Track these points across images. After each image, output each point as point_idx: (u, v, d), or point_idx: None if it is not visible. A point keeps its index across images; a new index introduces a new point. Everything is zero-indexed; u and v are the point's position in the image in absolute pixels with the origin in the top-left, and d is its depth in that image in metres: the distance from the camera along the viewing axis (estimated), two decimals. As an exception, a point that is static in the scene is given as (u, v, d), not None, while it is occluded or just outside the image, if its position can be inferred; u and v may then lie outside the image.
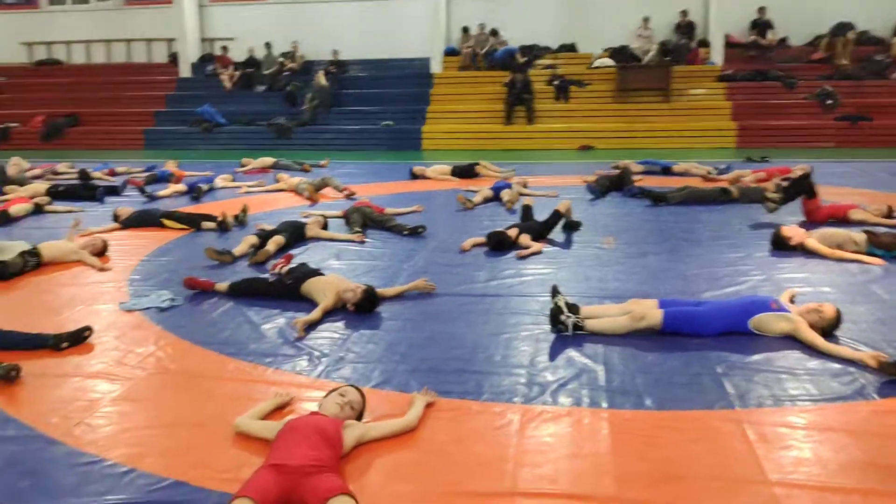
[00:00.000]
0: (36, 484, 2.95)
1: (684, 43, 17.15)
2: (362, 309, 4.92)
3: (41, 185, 10.10)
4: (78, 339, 4.40)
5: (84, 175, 11.14)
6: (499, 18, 18.03)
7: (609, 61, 17.23)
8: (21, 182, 10.54)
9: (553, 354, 4.22)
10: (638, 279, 5.70)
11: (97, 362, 4.19)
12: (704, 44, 17.50)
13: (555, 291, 4.78)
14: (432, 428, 3.36)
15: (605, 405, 3.57)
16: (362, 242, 7.09)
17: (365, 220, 7.64)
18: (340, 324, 4.78)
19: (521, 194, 9.03)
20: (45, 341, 4.34)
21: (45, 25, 20.55)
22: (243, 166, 12.52)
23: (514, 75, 16.18)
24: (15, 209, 8.50)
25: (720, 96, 16.29)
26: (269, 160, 12.70)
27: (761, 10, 17.11)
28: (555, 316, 4.50)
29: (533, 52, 17.92)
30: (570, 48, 18.14)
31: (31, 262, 6.15)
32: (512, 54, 17.30)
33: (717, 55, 17.14)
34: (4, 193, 9.84)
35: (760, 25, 17.20)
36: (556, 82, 16.74)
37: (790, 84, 16.09)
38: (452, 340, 4.46)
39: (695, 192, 8.80)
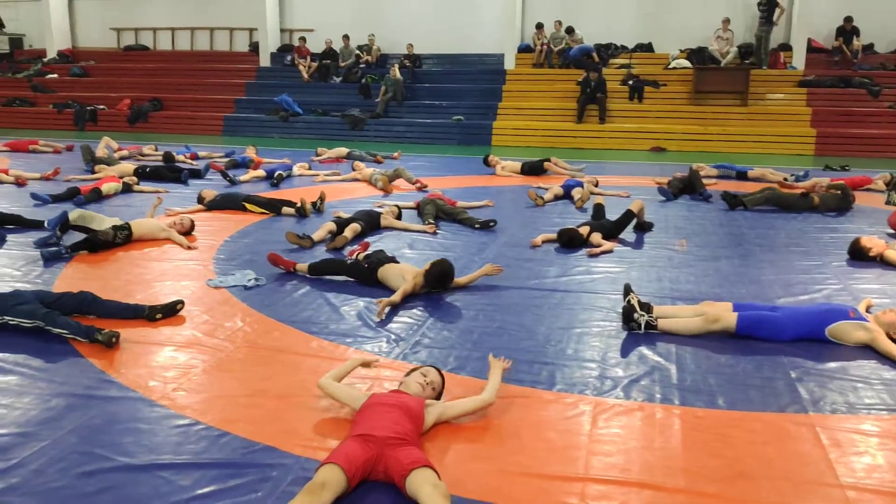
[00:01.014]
0: (138, 440, 3.19)
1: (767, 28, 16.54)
2: (439, 280, 5.06)
3: (129, 166, 10.58)
4: (171, 311, 4.68)
5: (168, 157, 11.61)
6: (574, 16, 17.97)
7: (686, 62, 17.00)
8: (110, 162, 11.06)
9: (625, 351, 4.29)
10: (710, 282, 5.70)
11: (189, 333, 4.45)
12: (786, 48, 17.09)
13: (627, 290, 4.83)
14: (506, 412, 3.47)
15: (676, 402, 3.63)
16: (434, 234, 7.24)
17: (437, 212, 7.79)
18: (416, 310, 4.93)
19: (592, 193, 9.05)
20: (141, 311, 4.62)
21: (134, 12, 21.37)
22: (319, 155, 12.84)
23: (589, 74, 16.12)
24: (106, 187, 8.95)
25: (800, 102, 15.91)
26: (343, 150, 12.99)
27: (848, 18, 16.59)
28: (628, 314, 4.56)
29: (608, 50, 17.82)
30: (647, 48, 17.96)
31: (121, 236, 6.49)
32: (587, 52, 17.24)
33: (798, 60, 16.72)
34: (95, 172, 10.37)
35: (847, 33, 16.69)
36: (630, 82, 16.61)
37: (875, 92, 15.60)
38: (523, 331, 4.57)
39: (775, 195, 8.69)
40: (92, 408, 3.48)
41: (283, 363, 4.07)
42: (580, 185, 9.27)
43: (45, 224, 6.88)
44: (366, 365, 3.71)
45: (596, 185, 9.52)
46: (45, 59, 21.17)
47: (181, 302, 4.76)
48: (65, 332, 4.22)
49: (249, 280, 5.50)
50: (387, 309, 4.82)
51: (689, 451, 3.18)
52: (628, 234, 7.18)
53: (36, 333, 4.29)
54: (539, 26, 17.86)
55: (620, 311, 4.75)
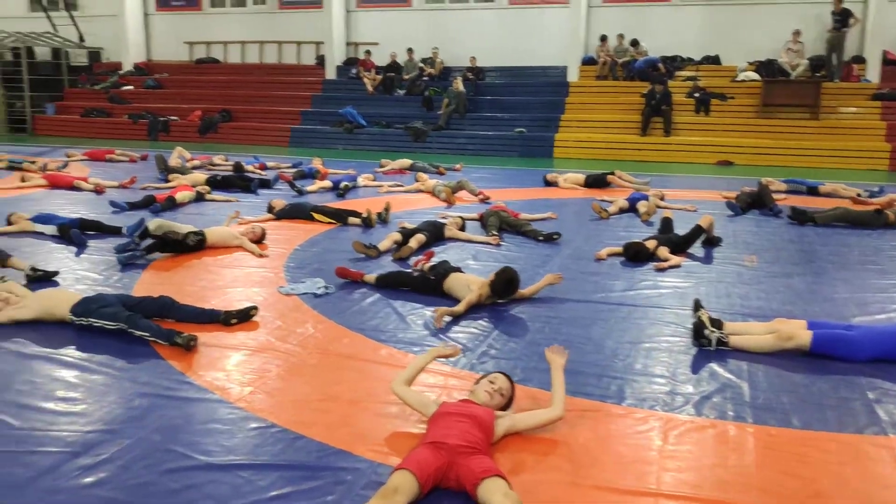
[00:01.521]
0: (217, 440, 3.30)
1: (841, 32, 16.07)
2: (506, 288, 5.10)
3: (201, 175, 10.92)
4: (246, 316, 4.82)
5: (238, 167, 11.95)
6: (640, 28, 17.83)
7: (754, 75, 16.66)
8: (182, 171, 11.44)
9: (695, 367, 4.24)
10: (782, 299, 5.58)
11: (263, 338, 4.58)
12: (860, 60, 16.60)
13: (697, 306, 4.78)
14: (575, 425, 3.48)
15: (750, 420, 3.57)
16: (498, 245, 7.28)
17: (501, 224, 7.82)
18: (481, 321, 4.97)
19: (658, 207, 8.95)
20: (217, 316, 4.78)
21: (206, 26, 22.05)
22: (382, 167, 13.01)
23: (654, 86, 15.95)
24: (180, 196, 9.26)
25: (874, 115, 15.41)
26: (406, 162, 13.14)
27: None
28: (698, 330, 4.51)
29: (674, 63, 17.61)
30: (714, 60, 17.68)
31: (194, 239, 6.70)
32: (652, 65, 17.07)
33: (873, 72, 16.22)
34: (169, 181, 10.74)
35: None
36: (696, 94, 16.37)
37: (955, 105, 15.01)
38: (590, 345, 4.56)
39: (848, 212, 8.45)
40: (172, 408, 3.62)
41: (354, 369, 4.15)
42: (645, 198, 9.18)
43: (124, 230, 7.16)
44: (446, 355, 3.74)
45: (662, 199, 9.41)
46: (121, 72, 22.00)
47: (255, 308, 4.91)
48: (146, 334, 4.40)
49: (319, 288, 5.63)
50: (446, 318, 4.86)
51: (763, 469, 3.13)
52: (696, 248, 7.08)
53: (119, 335, 4.48)
54: (603, 38, 17.77)
55: (690, 326, 4.70)
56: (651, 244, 6.69)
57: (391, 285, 5.69)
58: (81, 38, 22.39)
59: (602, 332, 4.78)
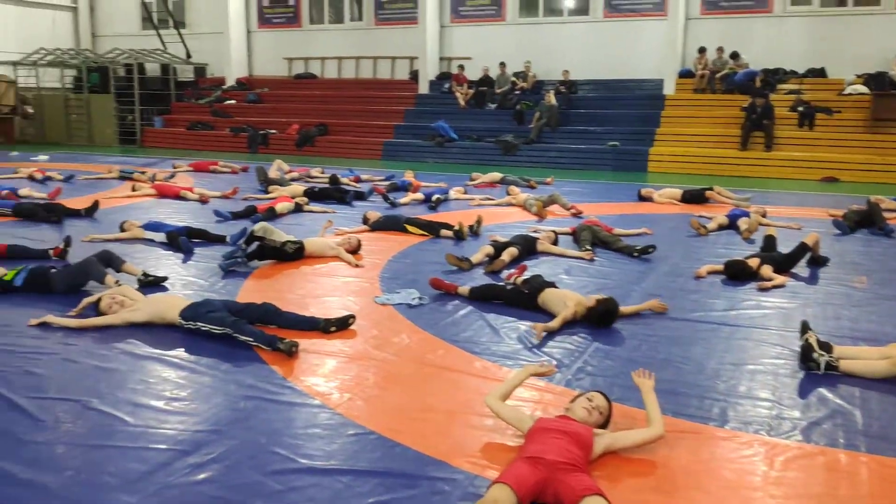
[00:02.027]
0: (318, 445, 3.38)
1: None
2: (602, 319, 5.02)
3: (299, 187, 11.26)
4: (344, 324, 4.93)
5: (334, 180, 12.25)
6: (740, 40, 17.31)
7: (863, 88, 15.89)
8: (281, 183, 11.82)
9: (803, 392, 4.06)
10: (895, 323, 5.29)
11: (360, 346, 4.67)
12: (982, 71, 15.61)
13: (805, 328, 4.59)
14: (676, 447, 3.39)
15: (863, 449, 3.40)
16: (591, 260, 7.18)
17: (594, 239, 7.72)
18: (577, 336, 4.91)
19: (760, 224, 8.65)
20: (317, 324, 4.90)
21: (305, 42, 22.77)
22: (473, 180, 13.08)
23: (754, 100, 15.45)
24: (280, 206, 9.57)
25: None
26: (497, 175, 13.17)
27: None
28: (806, 353, 4.33)
29: (776, 75, 17.00)
30: (819, 73, 16.97)
31: (292, 248, 6.91)
32: (752, 77, 16.55)
33: None
34: (269, 192, 11.12)
35: None
36: (800, 108, 15.74)
37: None
38: (691, 365, 4.44)
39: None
40: (275, 411, 3.73)
41: (449, 381, 4.18)
42: (746, 214, 8.88)
43: (227, 239, 7.46)
44: (541, 373, 3.72)
45: (764, 216, 9.08)
46: (224, 87, 22.97)
47: (353, 317, 5.01)
48: (250, 339, 4.56)
49: (414, 299, 5.70)
50: (543, 334, 4.83)
51: (878, 501, 2.97)
52: (801, 268, 6.80)
53: (224, 339, 4.66)
54: (702, 51, 17.35)
55: (796, 349, 4.52)
56: (754, 262, 6.47)
57: (484, 298, 5.70)
58: (188, 55, 23.52)
59: (703, 353, 4.65)
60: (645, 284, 6.30)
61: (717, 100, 16.96)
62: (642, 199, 11.19)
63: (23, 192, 10.70)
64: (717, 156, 15.54)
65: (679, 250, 7.62)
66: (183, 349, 4.58)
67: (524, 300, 5.52)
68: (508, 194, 10.98)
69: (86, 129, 22.13)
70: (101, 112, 21.89)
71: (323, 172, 13.53)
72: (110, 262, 6.06)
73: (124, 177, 12.91)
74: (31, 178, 12.78)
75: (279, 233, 7.08)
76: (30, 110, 22.87)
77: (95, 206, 9.32)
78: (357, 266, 6.82)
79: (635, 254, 7.34)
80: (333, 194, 10.88)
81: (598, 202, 11.21)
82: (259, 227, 6.97)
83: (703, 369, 4.36)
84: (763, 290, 6.07)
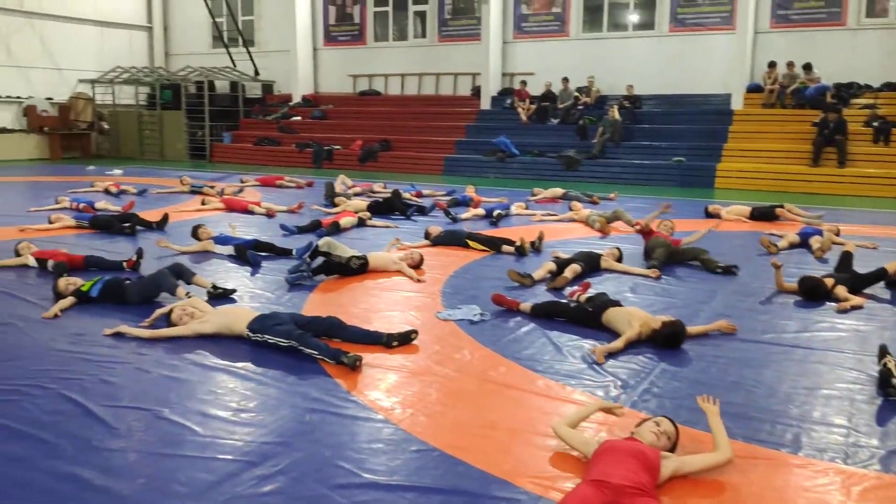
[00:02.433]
0: (381, 460, 3.39)
1: None
2: (669, 342, 4.92)
3: (363, 202, 11.40)
4: (406, 339, 4.96)
5: (397, 195, 12.35)
6: (811, 53, 16.83)
7: (944, 101, 15.28)
8: (346, 197, 11.98)
9: (881, 419, 3.89)
10: (983, 349, 5.02)
11: (422, 362, 4.68)
12: None
13: (883, 352, 4.41)
14: (746, 473, 3.28)
15: (949, 482, 3.23)
16: (658, 278, 7.05)
17: (668, 256, 7.54)
18: (643, 356, 4.82)
19: (834, 243, 8.36)
20: (380, 338, 4.94)
21: (370, 60, 23.13)
22: (534, 195, 13.03)
23: (826, 114, 14.99)
24: (344, 221, 9.71)
25: None
26: (559, 191, 13.09)
27: None
28: (884, 378, 4.15)
29: (850, 90, 16.47)
30: (895, 87, 16.37)
31: (357, 263, 6.99)
32: (824, 92, 16.07)
33: None
34: (335, 205, 11.29)
35: None
36: (875, 123, 15.20)
37: None
38: (762, 388, 4.30)
39: None
40: (339, 424, 3.76)
41: (511, 398, 4.14)
42: (819, 233, 8.60)
43: (294, 252, 7.59)
44: (609, 411, 3.67)
45: (837, 234, 8.77)
46: (290, 103, 23.49)
47: (415, 332, 5.03)
48: (315, 353, 4.62)
49: (475, 315, 5.69)
50: (605, 358, 4.74)
51: (968, 540, 2.81)
52: (878, 289, 6.54)
53: (290, 352, 4.73)
54: (771, 65, 16.93)
55: (874, 374, 4.34)
56: (828, 282, 6.25)
57: (546, 315, 5.65)
58: (256, 72, 24.13)
59: (775, 376, 4.50)
60: (713, 304, 6.16)
61: (787, 115, 16.51)
62: (709, 215, 10.94)
63: (99, 205, 11.12)
64: (788, 172, 15.11)
65: (748, 269, 7.41)
66: (250, 361, 4.67)
67: (588, 318, 5.45)
68: (571, 210, 10.90)
69: (158, 145, 22.90)
70: (172, 128, 22.64)
71: (385, 187, 13.67)
72: (181, 274, 6.23)
73: (194, 191, 13.30)
74: (106, 191, 13.29)
75: (343, 248, 7.18)
76: (105, 126, 23.83)
77: (165, 219, 9.62)
78: (419, 281, 6.85)
79: (718, 269, 7.17)
80: (397, 206, 10.99)
81: (663, 218, 10.98)
82: (324, 243, 7.09)
83: (775, 393, 4.23)
84: (840, 311, 5.85)
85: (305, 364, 4.58)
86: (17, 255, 7.30)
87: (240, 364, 4.62)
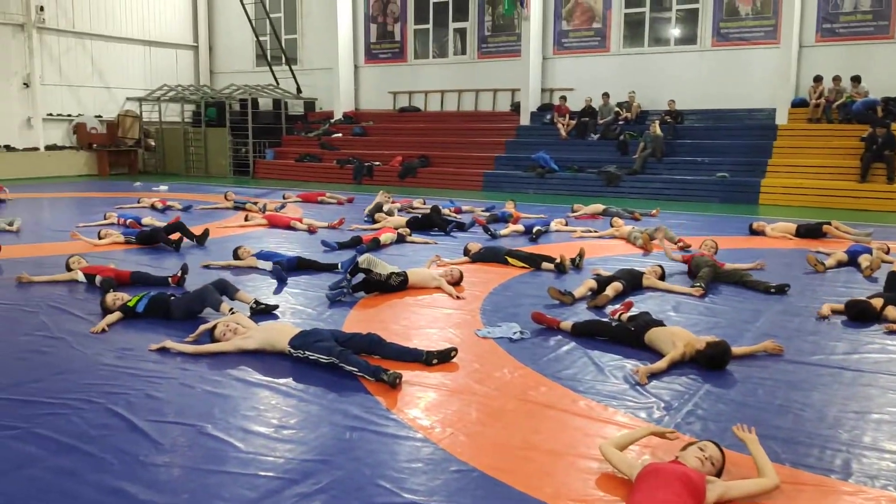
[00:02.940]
0: (421, 480, 3.38)
1: None
2: (713, 363, 4.84)
3: (402, 218, 11.46)
4: (446, 357, 4.95)
5: (436, 211, 12.38)
6: (858, 67, 16.47)
7: None
8: (388, 213, 12.06)
9: (937, 445, 3.77)
10: None
11: (462, 380, 4.67)
12: None
13: (938, 375, 4.27)
14: (794, 499, 3.20)
15: None
16: (702, 296, 6.95)
17: (714, 275, 7.42)
18: (687, 377, 4.74)
19: (884, 261, 8.15)
20: (419, 356, 4.94)
21: (410, 77, 23.32)
22: (574, 211, 12.96)
23: (875, 129, 14.66)
24: (384, 237, 9.76)
25: None
26: (599, 207, 13.00)
27: None
28: (939, 402, 4.02)
29: (899, 103, 16.09)
30: (948, 100, 15.96)
31: (396, 280, 7.03)
32: (872, 106, 15.72)
33: None
34: (375, 222, 11.38)
35: None
36: (926, 138, 14.82)
37: None
38: (810, 412, 4.20)
39: None
40: (379, 443, 3.77)
41: (552, 419, 4.11)
42: (868, 251, 8.39)
43: (339, 266, 7.65)
44: (661, 436, 3.61)
45: (887, 252, 8.55)
46: (332, 120, 23.78)
47: (455, 350, 5.03)
48: (355, 369, 4.64)
49: (515, 333, 5.66)
50: (647, 379, 4.67)
51: None
52: (931, 309, 6.34)
53: (330, 368, 4.76)
54: (817, 79, 16.62)
55: (929, 398, 4.20)
56: (877, 302, 6.08)
57: (587, 334, 5.60)
58: (299, 90, 24.50)
59: (823, 399, 4.39)
60: (759, 324, 6.04)
61: (833, 130, 16.19)
62: (754, 232, 10.78)
63: (145, 220, 11.35)
64: (835, 188, 14.80)
65: (795, 288, 7.25)
66: (291, 377, 4.71)
67: (630, 338, 5.39)
68: (612, 226, 10.80)
69: (202, 161, 23.34)
70: (216, 145, 23.07)
71: (424, 203, 13.72)
72: (225, 290, 6.32)
73: (238, 207, 13.51)
74: (153, 207, 13.58)
75: (383, 264, 7.21)
76: (152, 143, 24.39)
77: (206, 234, 9.78)
78: (458, 298, 6.85)
79: (772, 290, 7.03)
80: (436, 222, 11.03)
81: (707, 235, 10.83)
82: (364, 260, 7.13)
83: (823, 417, 4.12)
84: (890, 332, 5.69)
85: (346, 381, 4.60)
86: (68, 269, 7.49)
87: (281, 380, 4.66)
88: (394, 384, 4.46)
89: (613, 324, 5.67)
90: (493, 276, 7.89)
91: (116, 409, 4.16)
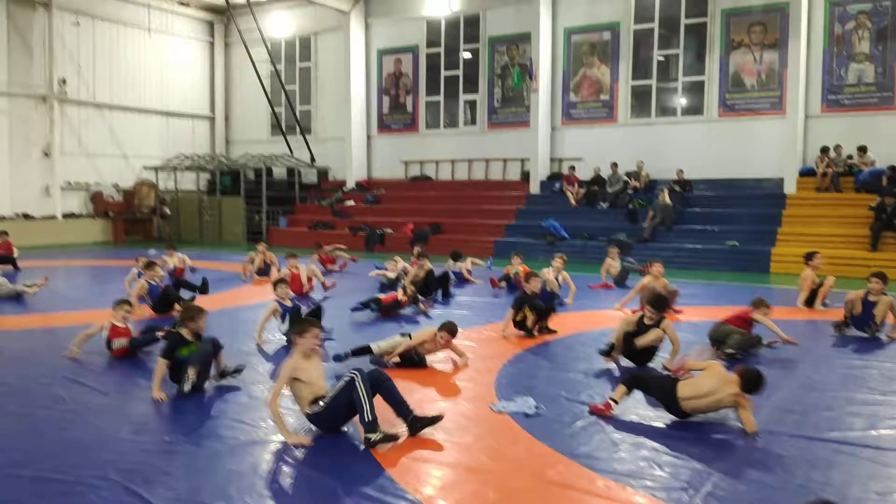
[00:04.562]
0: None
1: None
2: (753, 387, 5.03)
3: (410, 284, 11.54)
4: (432, 423, 5.08)
5: (445, 276, 12.49)
6: (864, 137, 16.70)
7: None
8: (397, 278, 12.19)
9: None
10: None
11: (477, 457, 4.63)
12: None
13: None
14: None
15: None
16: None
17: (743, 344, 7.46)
18: (705, 452, 4.69)
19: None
20: (407, 416, 5.05)
21: (421, 146, 23.74)
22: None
23: (883, 198, 14.76)
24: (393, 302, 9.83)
25: None
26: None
27: None
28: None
29: (907, 173, 16.22)
30: (956, 169, 16.08)
31: (418, 358, 7.07)
32: (879, 176, 15.86)
33: None
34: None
35: None
36: (935, 207, 14.89)
37: None
38: (830, 491, 4.12)
39: None
40: (396, 524, 3.73)
41: (570, 500, 4.06)
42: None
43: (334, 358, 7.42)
44: None
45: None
46: (344, 189, 24.14)
47: (441, 416, 5.16)
48: (363, 401, 4.81)
49: (530, 407, 5.63)
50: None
51: None
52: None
53: (345, 439, 4.74)
54: (824, 150, 16.84)
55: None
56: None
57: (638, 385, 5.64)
58: (313, 159, 24.95)
59: (844, 479, 4.33)
60: (775, 399, 5.97)
61: (842, 199, 16.31)
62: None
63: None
64: (846, 257, 14.79)
65: (809, 360, 7.22)
66: (308, 452, 4.68)
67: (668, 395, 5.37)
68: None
69: (217, 229, 23.62)
70: (231, 212, 23.38)
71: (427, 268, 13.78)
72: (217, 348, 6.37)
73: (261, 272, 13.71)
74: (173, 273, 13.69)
75: (394, 340, 7.25)
76: (167, 211, 24.73)
77: (205, 284, 10.78)
78: (465, 366, 6.90)
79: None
80: (444, 286, 11.31)
81: (717, 305, 10.83)
82: (376, 350, 7.14)
83: (845, 499, 4.05)
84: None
85: (362, 459, 4.58)
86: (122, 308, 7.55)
87: (297, 454, 4.65)
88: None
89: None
90: (507, 347, 7.89)
91: (133, 486, 4.14)
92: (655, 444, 4.86)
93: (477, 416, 5.44)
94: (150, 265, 10.33)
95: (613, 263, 13.18)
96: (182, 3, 25.97)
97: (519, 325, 8.39)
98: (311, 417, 5.05)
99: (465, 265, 13.68)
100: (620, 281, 12.85)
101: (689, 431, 5.15)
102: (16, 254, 15.09)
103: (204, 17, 26.89)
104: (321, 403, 4.98)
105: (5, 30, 21.60)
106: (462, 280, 13.34)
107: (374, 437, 4.70)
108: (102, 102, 24.01)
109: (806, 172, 17.26)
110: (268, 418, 5.22)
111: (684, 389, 5.29)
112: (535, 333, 8.33)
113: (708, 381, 5.28)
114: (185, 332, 6.19)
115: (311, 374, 5.14)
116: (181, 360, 6.00)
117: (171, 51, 25.95)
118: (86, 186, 23.56)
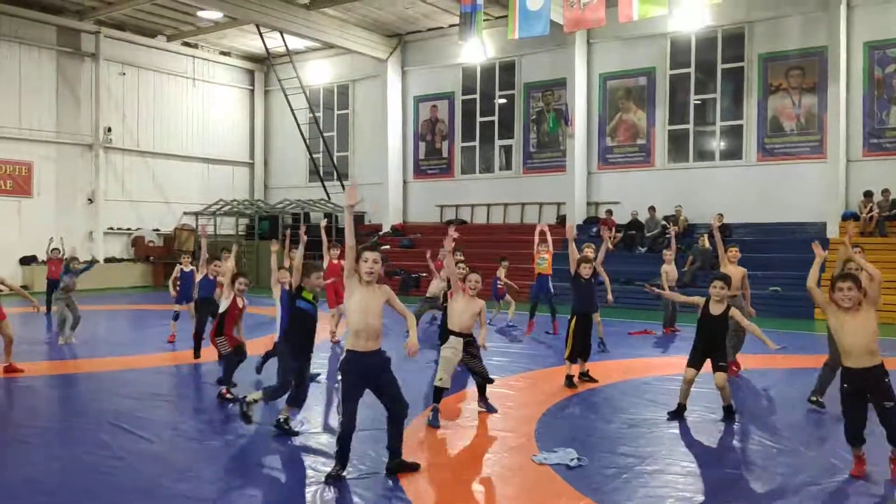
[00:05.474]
0: None
1: None
2: None
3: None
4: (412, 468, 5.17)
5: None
6: (909, 181, 16.43)
7: None
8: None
9: None
10: None
11: (521, 512, 4.55)
12: None
13: None
14: None
15: None
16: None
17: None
18: (755, 512, 4.55)
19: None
20: (395, 455, 5.20)
21: (456, 191, 23.89)
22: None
23: (931, 243, 14.42)
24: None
25: None
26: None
27: None
28: None
29: (954, 217, 15.88)
30: None
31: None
32: (926, 220, 15.53)
33: None
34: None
35: None
36: None
37: None
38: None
39: None
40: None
41: (617, 557, 3.95)
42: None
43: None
44: None
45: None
46: (380, 233, 24.31)
47: (418, 465, 5.25)
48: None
49: (572, 459, 5.51)
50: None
51: None
52: None
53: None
54: (868, 194, 16.57)
55: None
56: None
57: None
58: (349, 204, 25.20)
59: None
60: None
61: (887, 243, 15.96)
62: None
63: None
64: (893, 303, 14.42)
65: (803, 442, 6.95)
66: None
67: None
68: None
69: (254, 273, 23.86)
70: (268, 257, 23.53)
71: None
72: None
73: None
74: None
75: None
76: (206, 255, 25.06)
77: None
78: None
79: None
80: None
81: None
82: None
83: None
84: None
85: (402, 511, 4.52)
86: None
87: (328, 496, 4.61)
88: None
89: None
90: (545, 395, 7.78)
91: (174, 536, 4.13)
92: (700, 499, 4.71)
93: (518, 468, 5.35)
94: (211, 259, 10.50)
95: (669, 269, 12.80)
96: (223, 53, 26.74)
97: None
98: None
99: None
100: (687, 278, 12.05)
101: (735, 488, 4.99)
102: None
103: (245, 66, 27.63)
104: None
105: (55, 81, 22.40)
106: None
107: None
108: (146, 150, 24.66)
109: (848, 216, 16.96)
110: (319, 466, 5.21)
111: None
112: (576, 383, 8.22)
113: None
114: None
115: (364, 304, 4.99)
116: (301, 308, 6.34)
117: (212, 99, 26.65)
118: (128, 231, 24.08)
